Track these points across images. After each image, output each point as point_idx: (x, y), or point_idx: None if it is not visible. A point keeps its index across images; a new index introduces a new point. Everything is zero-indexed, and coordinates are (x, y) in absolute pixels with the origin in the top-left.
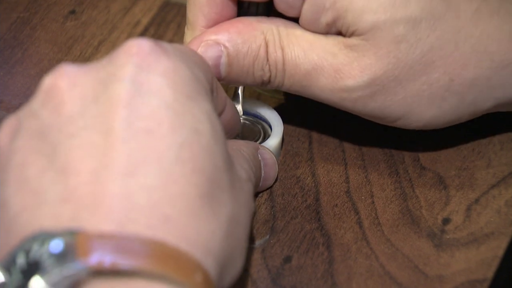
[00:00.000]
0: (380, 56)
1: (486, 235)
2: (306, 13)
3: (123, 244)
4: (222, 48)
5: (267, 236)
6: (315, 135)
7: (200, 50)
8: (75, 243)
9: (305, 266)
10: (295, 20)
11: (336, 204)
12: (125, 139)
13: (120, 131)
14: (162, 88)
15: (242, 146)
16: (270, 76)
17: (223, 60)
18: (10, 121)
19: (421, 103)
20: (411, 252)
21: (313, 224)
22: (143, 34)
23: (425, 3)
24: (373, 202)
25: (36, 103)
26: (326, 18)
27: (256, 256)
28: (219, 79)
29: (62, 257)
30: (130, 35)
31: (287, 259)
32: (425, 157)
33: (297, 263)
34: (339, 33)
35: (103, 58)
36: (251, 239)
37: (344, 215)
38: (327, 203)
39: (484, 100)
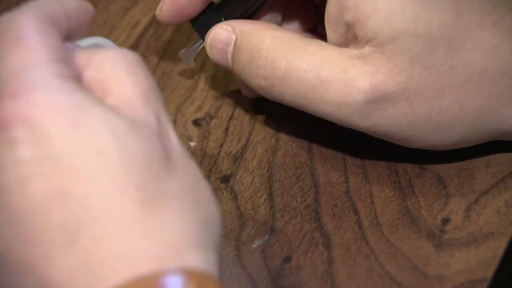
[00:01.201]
0: (394, 73)
1: (485, 235)
2: (331, 7)
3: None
4: (233, 36)
5: (267, 236)
6: (314, 135)
7: (213, 30)
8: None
9: (305, 266)
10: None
11: (336, 204)
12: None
13: None
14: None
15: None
16: (269, 84)
17: (230, 48)
18: None
19: (429, 127)
20: (410, 252)
21: (313, 224)
22: (143, 34)
23: (445, 30)
24: (373, 202)
25: None
26: (347, 18)
27: (256, 256)
28: (228, 67)
29: None
30: (129, 35)
31: (287, 259)
32: (425, 157)
33: (296, 263)
34: (355, 38)
35: None
36: (251, 239)
37: (344, 215)
38: (327, 203)
39: (490, 130)
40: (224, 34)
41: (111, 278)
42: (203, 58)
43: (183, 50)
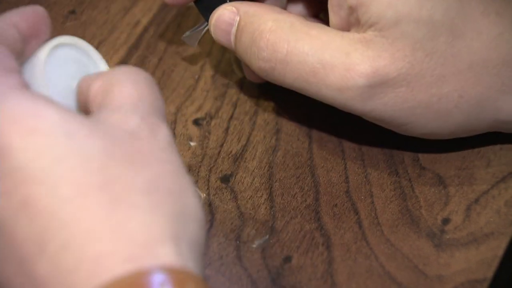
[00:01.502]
0: (395, 58)
1: (486, 235)
2: None
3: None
4: (237, 17)
5: (267, 236)
6: (314, 135)
7: (218, 11)
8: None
9: (305, 266)
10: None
11: (336, 204)
12: None
13: None
14: None
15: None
16: (270, 66)
17: (233, 30)
18: None
19: (428, 114)
20: (410, 252)
21: (313, 224)
22: (143, 34)
23: (448, 17)
24: (373, 202)
25: None
26: (351, 1)
27: (256, 256)
28: (231, 48)
29: None
30: (130, 35)
31: (287, 259)
32: (425, 157)
33: (297, 263)
34: (357, 22)
35: None
36: (251, 239)
37: (344, 215)
38: (327, 203)
39: (488, 120)
40: (228, 15)
41: (85, 284)
42: (203, 59)
43: (187, 33)
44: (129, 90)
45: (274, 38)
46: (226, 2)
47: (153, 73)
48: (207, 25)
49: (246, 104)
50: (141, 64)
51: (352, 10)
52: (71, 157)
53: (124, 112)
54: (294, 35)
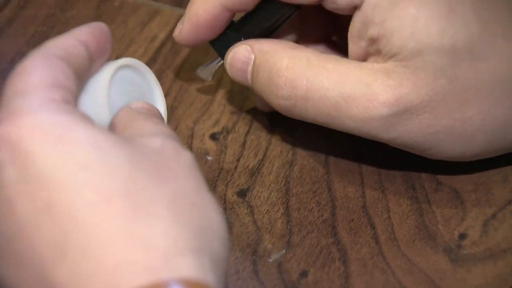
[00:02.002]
0: (418, 86)
1: (503, 250)
2: (356, 21)
3: None
4: (252, 56)
5: (283, 251)
6: (331, 150)
7: (232, 50)
8: None
9: (322, 281)
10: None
11: (352, 219)
12: None
13: None
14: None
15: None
16: (291, 104)
17: (249, 68)
18: None
19: (452, 138)
20: (427, 267)
21: (330, 239)
22: (160, 48)
23: (470, 43)
24: (389, 217)
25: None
26: (372, 32)
27: (273, 270)
28: (249, 86)
29: None
30: (147, 50)
31: (304, 274)
32: (442, 172)
33: (313, 278)
34: (378, 53)
35: None
36: (268, 253)
37: (360, 230)
38: (344, 218)
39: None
40: (243, 54)
41: None
42: (220, 72)
43: (201, 68)
44: (148, 122)
45: (292, 76)
46: (241, 40)
47: (170, 88)
48: (221, 60)
49: (263, 118)
50: (158, 78)
51: (372, 41)
52: (97, 164)
53: (148, 135)
54: (312, 70)
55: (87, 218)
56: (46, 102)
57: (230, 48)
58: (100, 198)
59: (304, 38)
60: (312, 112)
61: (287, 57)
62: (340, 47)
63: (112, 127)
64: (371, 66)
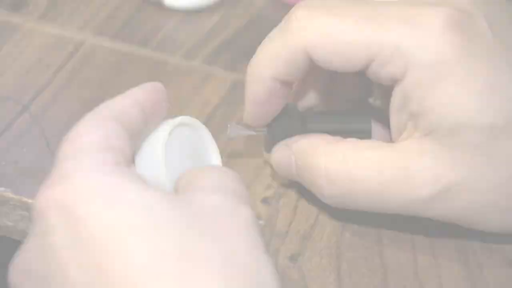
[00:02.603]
0: (455, 165)
1: None
2: (397, 95)
3: None
4: (292, 157)
5: None
6: (382, 216)
7: (276, 151)
8: None
9: None
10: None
11: (405, 286)
12: None
13: None
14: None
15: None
16: (337, 200)
17: (293, 170)
18: None
19: (496, 212)
20: None
21: None
22: (213, 113)
23: (509, 122)
24: (441, 284)
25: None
26: (411, 108)
27: None
28: (295, 179)
29: None
30: (200, 114)
31: None
32: (495, 240)
33: None
34: (415, 127)
35: None
36: None
37: None
38: (395, 284)
39: None
40: (284, 155)
41: None
42: None
43: (234, 123)
44: (212, 175)
45: (330, 175)
46: (297, 134)
47: (222, 152)
48: (257, 132)
49: None
50: None
51: (412, 116)
52: (147, 226)
53: (207, 191)
54: (349, 164)
55: (139, 280)
56: (97, 164)
57: (275, 149)
58: (150, 260)
59: (342, 97)
60: (356, 203)
61: (323, 154)
62: (376, 109)
63: (178, 181)
64: (406, 147)
